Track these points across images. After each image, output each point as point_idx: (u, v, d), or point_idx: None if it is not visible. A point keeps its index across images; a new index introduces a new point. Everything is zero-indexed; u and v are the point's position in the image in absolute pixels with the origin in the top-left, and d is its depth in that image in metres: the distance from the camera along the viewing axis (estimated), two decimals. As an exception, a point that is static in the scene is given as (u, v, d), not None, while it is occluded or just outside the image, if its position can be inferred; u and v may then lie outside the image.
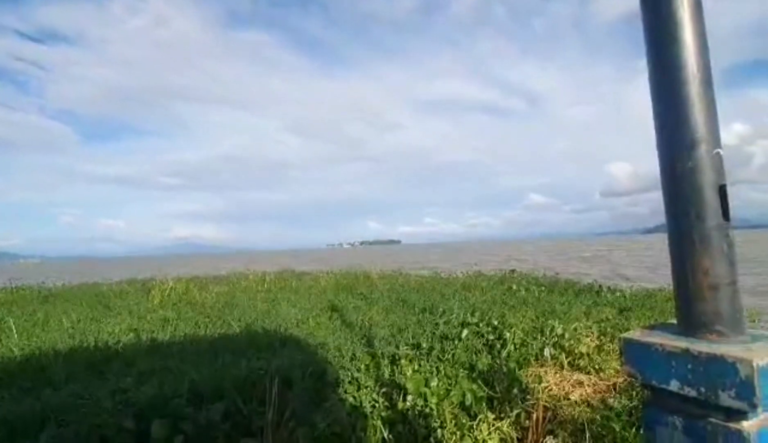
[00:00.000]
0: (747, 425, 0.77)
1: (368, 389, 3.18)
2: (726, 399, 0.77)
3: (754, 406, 0.74)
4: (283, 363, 3.51)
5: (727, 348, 0.79)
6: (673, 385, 0.84)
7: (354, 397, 3.05)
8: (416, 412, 3.07)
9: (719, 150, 0.90)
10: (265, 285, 11.77)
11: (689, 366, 0.82)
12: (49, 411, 2.76)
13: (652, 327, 0.99)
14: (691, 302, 0.88)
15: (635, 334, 0.94)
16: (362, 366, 3.42)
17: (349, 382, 3.25)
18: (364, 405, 2.99)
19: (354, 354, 3.83)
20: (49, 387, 3.58)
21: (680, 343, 0.84)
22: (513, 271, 13.44)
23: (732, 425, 0.78)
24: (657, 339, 0.88)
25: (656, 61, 0.95)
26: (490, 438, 2.88)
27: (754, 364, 0.74)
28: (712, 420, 0.80)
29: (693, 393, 0.81)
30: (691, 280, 0.87)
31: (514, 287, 9.65)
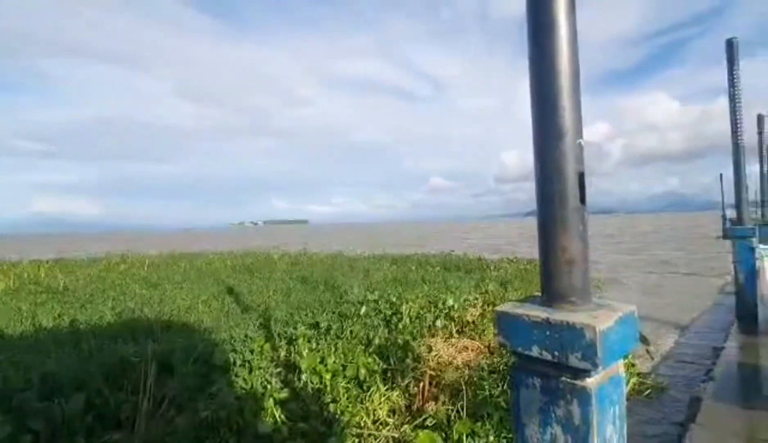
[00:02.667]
0: (590, 382, 0.89)
1: (261, 371, 3.09)
2: (574, 360, 0.87)
3: (596, 365, 0.86)
4: (162, 347, 3.22)
5: (577, 316, 0.89)
6: (534, 350, 0.94)
7: (245, 380, 2.93)
8: (310, 390, 3.09)
9: (581, 140, 0.99)
10: (146, 267, 10.61)
11: (547, 333, 0.91)
12: None
13: (521, 300, 1.08)
14: (552, 276, 0.98)
15: (507, 307, 1.02)
16: (256, 348, 3.30)
17: (241, 365, 3.12)
18: (255, 387, 2.89)
19: (247, 336, 3.67)
20: None
21: (541, 313, 0.93)
22: (415, 252, 14.34)
23: (578, 383, 0.89)
24: (523, 310, 0.97)
25: (534, 54, 1.01)
26: (380, 408, 3.03)
27: (597, 329, 0.84)
28: (564, 379, 0.91)
29: (549, 357, 0.91)
30: (552, 257, 0.97)
31: (414, 268, 10.23)
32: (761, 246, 6.21)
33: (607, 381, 0.91)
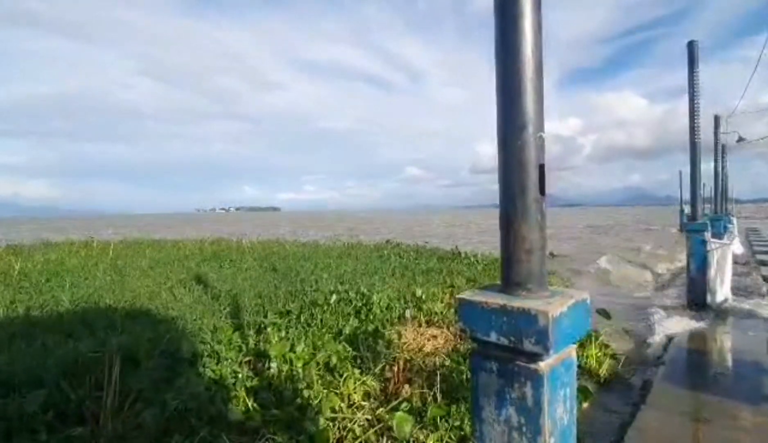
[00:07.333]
0: (542, 365, 0.93)
1: (230, 360, 3.05)
2: (528, 345, 0.91)
3: (547, 349, 0.90)
4: (126, 340, 3.12)
5: (532, 303, 0.93)
6: (493, 336, 0.97)
7: (213, 371, 2.88)
8: (282, 377, 3.08)
9: (542, 133, 1.02)
10: (111, 254, 10.13)
11: (505, 319, 0.95)
12: None
13: (482, 288, 1.11)
14: (511, 264, 1.01)
15: (467, 294, 1.05)
16: (224, 338, 3.24)
17: (209, 356, 3.06)
18: (224, 377, 2.85)
19: (215, 326, 3.60)
20: None
21: (500, 300, 0.97)
22: (388, 241, 14.42)
23: (532, 366, 0.93)
24: (483, 297, 1.00)
25: (500, 47, 1.02)
26: (355, 392, 3.06)
27: (550, 315, 0.88)
28: (519, 363, 0.95)
29: (506, 342, 0.95)
30: (512, 246, 1.00)
31: (386, 253, 10.30)
32: (713, 240, 6.61)
33: (559, 364, 0.96)
